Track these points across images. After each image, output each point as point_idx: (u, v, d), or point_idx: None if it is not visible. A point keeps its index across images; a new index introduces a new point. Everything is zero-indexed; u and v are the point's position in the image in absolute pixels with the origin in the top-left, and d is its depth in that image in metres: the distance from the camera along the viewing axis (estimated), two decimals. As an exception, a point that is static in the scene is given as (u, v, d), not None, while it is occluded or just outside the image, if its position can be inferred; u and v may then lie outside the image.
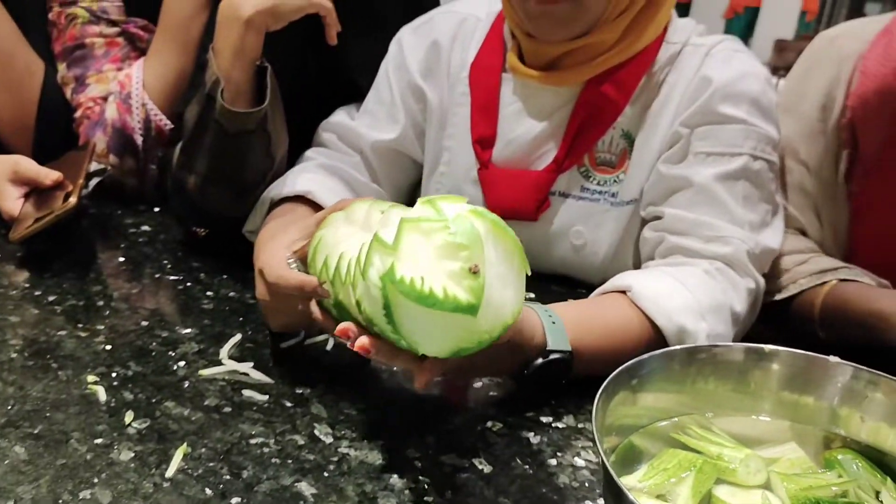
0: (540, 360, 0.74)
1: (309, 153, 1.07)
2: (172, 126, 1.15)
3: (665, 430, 0.62)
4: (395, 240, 0.57)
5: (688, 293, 0.81)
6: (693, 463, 0.57)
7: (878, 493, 0.56)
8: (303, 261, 0.73)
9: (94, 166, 1.09)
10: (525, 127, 0.99)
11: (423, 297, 0.55)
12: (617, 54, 0.94)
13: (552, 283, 1.03)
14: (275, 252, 0.75)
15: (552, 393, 0.78)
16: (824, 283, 0.90)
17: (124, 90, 1.16)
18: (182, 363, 0.80)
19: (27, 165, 1.01)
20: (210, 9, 1.09)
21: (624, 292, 0.82)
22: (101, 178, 1.10)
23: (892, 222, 0.96)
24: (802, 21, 6.75)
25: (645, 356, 0.62)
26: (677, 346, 0.63)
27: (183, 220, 1.10)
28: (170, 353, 0.82)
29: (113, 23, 1.21)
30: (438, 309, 0.55)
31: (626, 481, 0.56)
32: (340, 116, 1.10)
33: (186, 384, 0.76)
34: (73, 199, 0.94)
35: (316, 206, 0.93)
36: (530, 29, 0.94)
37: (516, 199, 0.99)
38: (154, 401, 0.73)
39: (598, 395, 0.56)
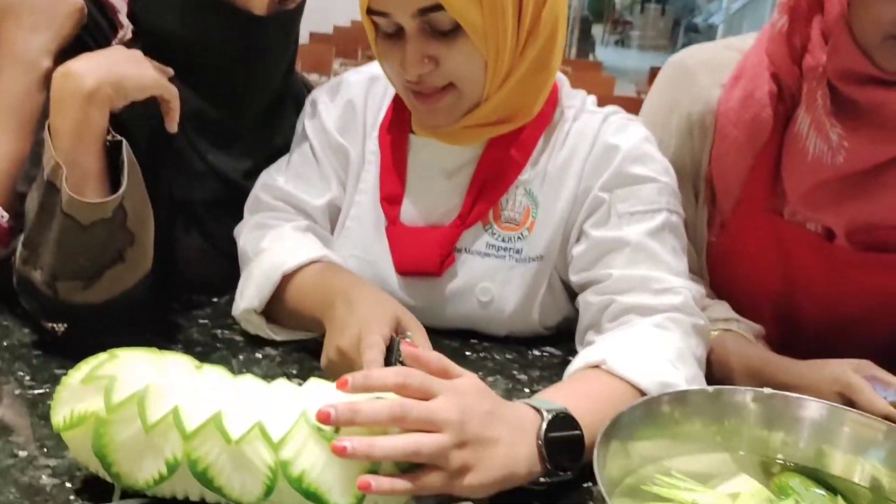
0: (547, 419, 0.70)
1: (265, 218, 1.05)
2: (7, 217, 1.00)
3: (634, 485, 0.65)
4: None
5: (650, 350, 0.84)
6: (678, 514, 0.61)
7: (831, 512, 0.63)
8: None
9: None
10: (431, 185, 1.02)
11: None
12: (513, 121, 0.98)
13: (446, 338, 1.04)
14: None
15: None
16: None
17: None
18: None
19: None
20: (48, 88, 0.98)
21: (597, 366, 0.83)
22: None
23: (741, 273, 1.06)
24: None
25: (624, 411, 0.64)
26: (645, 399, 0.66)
27: (38, 317, 0.97)
28: (66, 484, 0.71)
29: None
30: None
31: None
32: (277, 181, 1.07)
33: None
34: None
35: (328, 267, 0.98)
36: (415, 116, 0.98)
37: (421, 255, 1.01)
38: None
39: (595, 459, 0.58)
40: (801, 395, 0.69)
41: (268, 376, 0.79)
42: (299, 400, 0.67)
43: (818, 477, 0.68)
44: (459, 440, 0.67)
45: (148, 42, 1.01)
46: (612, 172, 0.98)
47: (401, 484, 0.65)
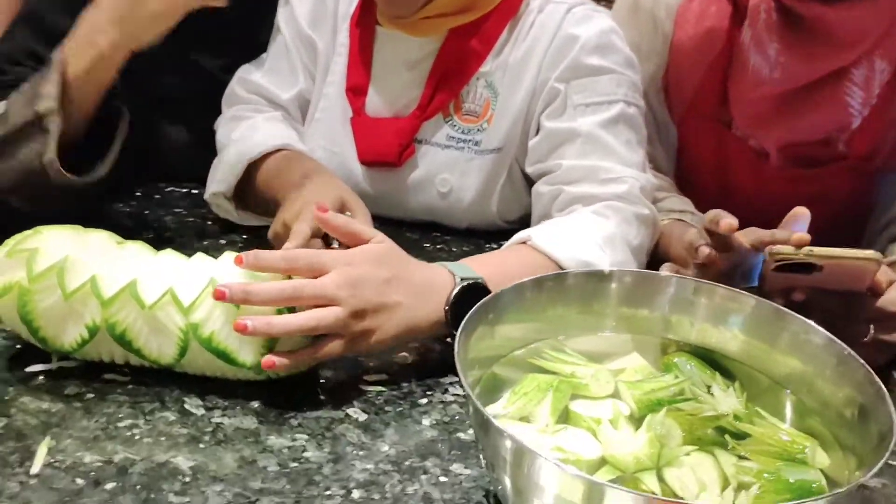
0: (457, 288, 0.74)
1: (240, 110, 1.08)
2: None
3: (523, 357, 0.67)
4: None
5: (583, 232, 0.86)
6: (550, 384, 0.62)
7: (709, 388, 0.64)
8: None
9: None
10: (393, 76, 1.03)
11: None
12: (473, 11, 0.97)
13: (407, 230, 1.06)
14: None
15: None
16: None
17: None
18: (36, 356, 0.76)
19: None
20: None
21: (524, 243, 0.85)
22: None
23: (683, 174, 1.08)
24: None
25: (498, 291, 0.66)
26: (526, 279, 0.67)
27: None
28: (16, 346, 0.78)
29: None
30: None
31: (491, 409, 0.60)
32: (253, 74, 1.09)
33: (41, 378, 0.73)
34: None
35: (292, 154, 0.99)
36: (379, 6, 0.98)
37: (382, 145, 1.03)
38: (7, 398, 0.70)
39: (458, 332, 0.59)
40: (696, 280, 0.69)
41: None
42: (211, 270, 0.71)
43: (712, 358, 0.68)
44: (354, 309, 0.70)
45: None
46: (569, 63, 0.96)
47: (304, 355, 0.70)
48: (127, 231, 0.81)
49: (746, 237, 0.78)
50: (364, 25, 1.05)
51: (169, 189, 1.16)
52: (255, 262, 0.71)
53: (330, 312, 0.69)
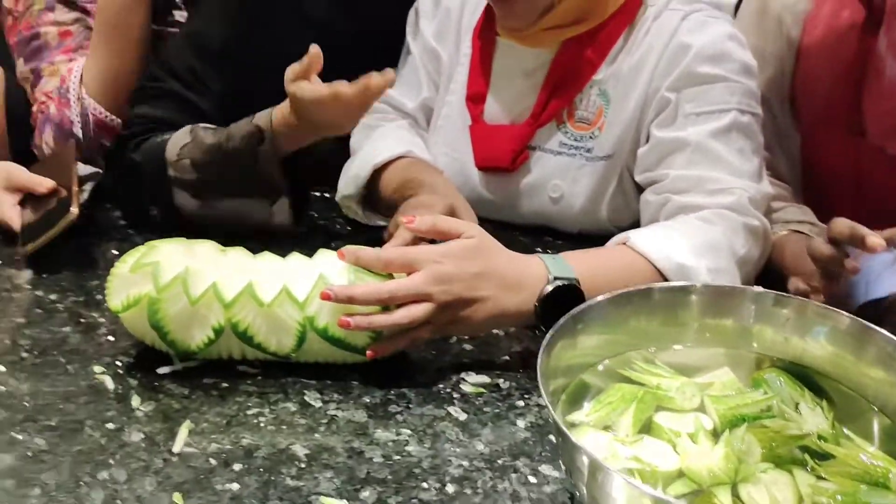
0: (550, 288, 0.78)
1: (372, 119, 1.16)
2: (119, 121, 1.15)
3: (613, 367, 0.69)
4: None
5: (683, 237, 0.87)
6: (635, 395, 0.65)
7: (797, 405, 0.64)
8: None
9: (84, 169, 1.13)
10: (510, 85, 1.07)
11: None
12: (588, 21, 1.00)
13: (521, 234, 1.10)
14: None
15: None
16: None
17: (63, 84, 1.15)
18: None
19: (19, 174, 1.06)
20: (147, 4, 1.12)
21: (623, 244, 0.87)
22: (95, 182, 1.15)
23: (815, 185, 1.04)
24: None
25: (588, 303, 0.68)
26: (615, 293, 0.69)
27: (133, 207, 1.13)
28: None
29: (71, 6, 1.17)
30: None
31: (575, 417, 0.63)
32: None
33: (182, 367, 0.83)
34: (74, 210, 0.98)
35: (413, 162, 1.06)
36: (497, 18, 1.02)
37: (497, 151, 1.08)
38: (157, 384, 0.81)
39: (543, 345, 0.63)
40: (788, 295, 0.68)
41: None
42: (314, 267, 0.79)
43: (805, 374, 0.67)
44: (444, 302, 0.76)
45: None
46: (680, 72, 0.97)
47: (401, 341, 0.79)
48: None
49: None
50: (485, 37, 1.10)
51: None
52: (355, 259, 0.78)
53: (422, 308, 0.76)
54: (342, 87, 0.90)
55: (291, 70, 0.93)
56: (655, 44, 0.99)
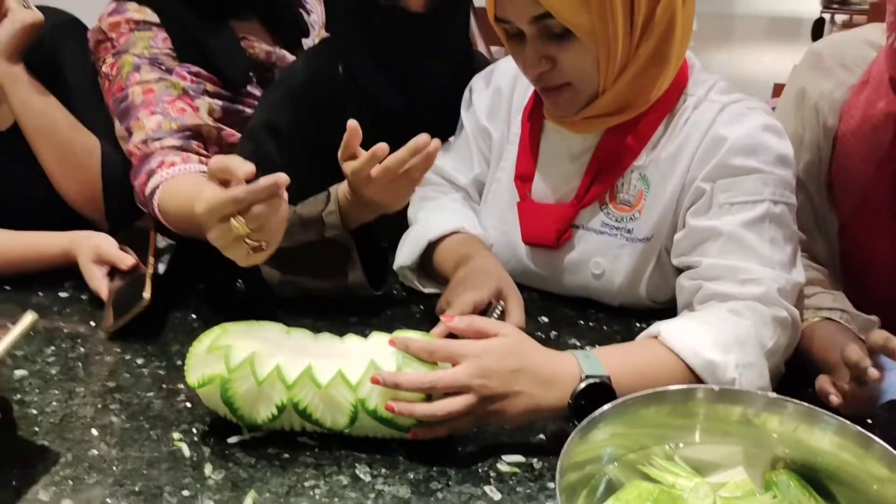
0: (581, 385, 0.84)
1: (428, 191, 1.26)
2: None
3: (635, 461, 0.75)
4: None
5: (713, 330, 0.91)
6: (651, 494, 0.70)
7: (803, 510, 0.68)
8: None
9: (162, 240, 1.25)
10: (557, 166, 1.14)
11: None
12: (630, 110, 1.05)
13: (565, 306, 1.17)
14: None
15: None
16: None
17: (145, 190, 1.20)
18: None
19: (107, 248, 1.19)
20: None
21: (655, 338, 0.92)
22: (173, 252, 1.26)
23: (855, 272, 1.06)
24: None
25: (615, 402, 0.74)
26: (645, 392, 0.75)
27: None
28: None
29: (155, 66, 1.26)
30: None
31: (593, 514, 0.70)
32: (440, 159, 1.22)
33: (250, 437, 0.93)
34: (146, 297, 1.09)
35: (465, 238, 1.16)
36: (544, 103, 1.09)
37: (543, 229, 1.15)
38: (227, 452, 0.90)
39: (569, 439, 0.69)
40: (803, 403, 0.73)
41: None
42: (367, 351, 0.88)
43: (816, 478, 0.72)
44: (483, 396, 0.83)
45: (334, 45, 1.24)
46: (715, 164, 1.01)
47: (441, 430, 0.86)
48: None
49: None
50: (534, 119, 1.17)
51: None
52: (404, 348, 0.86)
53: (462, 401, 0.83)
54: (380, 149, 0.98)
55: (341, 149, 1.02)
56: (694, 133, 1.04)
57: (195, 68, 1.30)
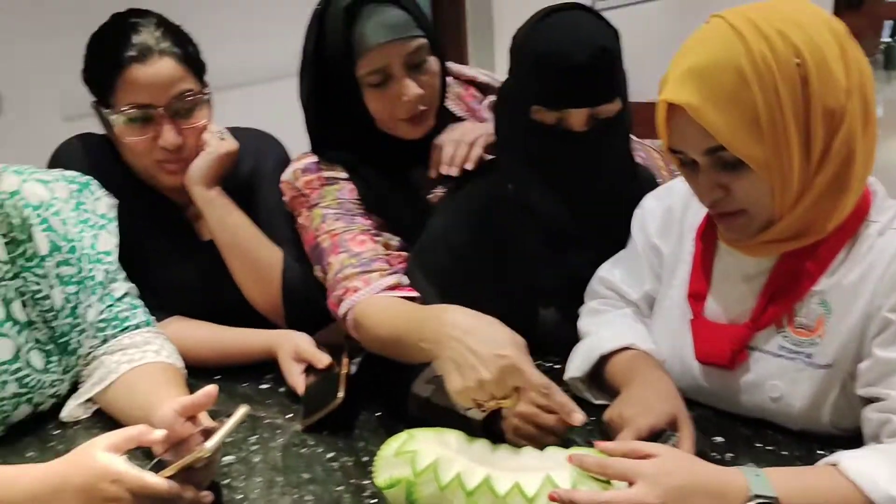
0: None
1: (599, 304, 1.31)
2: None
3: None
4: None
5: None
6: None
7: None
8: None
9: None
10: (731, 287, 1.15)
11: None
12: (807, 236, 1.05)
13: (742, 425, 1.16)
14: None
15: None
16: None
17: (339, 314, 1.31)
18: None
19: (305, 347, 1.32)
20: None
21: (833, 465, 0.91)
22: (361, 359, 1.34)
23: None
24: None
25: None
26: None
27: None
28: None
29: (342, 215, 1.37)
30: None
31: None
32: (610, 273, 1.31)
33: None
34: (340, 395, 1.19)
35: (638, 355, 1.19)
36: (718, 226, 1.11)
37: (717, 349, 1.15)
38: (410, 553, 0.96)
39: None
40: None
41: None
42: (543, 464, 0.93)
43: None
44: None
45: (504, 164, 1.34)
46: None
47: None
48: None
49: None
50: (707, 239, 1.19)
51: (537, 362, 1.39)
52: (580, 464, 0.90)
53: None
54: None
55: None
56: (878, 262, 1.02)
57: (379, 220, 1.40)
